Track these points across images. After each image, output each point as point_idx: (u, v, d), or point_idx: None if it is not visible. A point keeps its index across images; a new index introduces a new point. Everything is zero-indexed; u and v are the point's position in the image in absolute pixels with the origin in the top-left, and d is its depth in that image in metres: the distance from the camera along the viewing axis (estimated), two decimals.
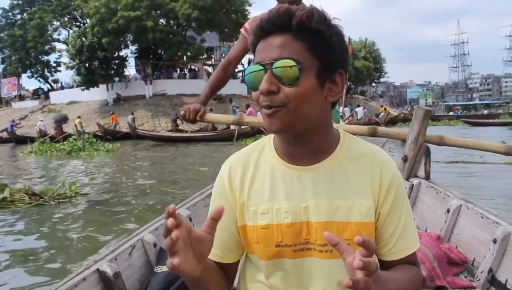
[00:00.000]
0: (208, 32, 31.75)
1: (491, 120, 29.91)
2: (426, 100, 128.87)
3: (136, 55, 34.19)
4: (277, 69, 0.87)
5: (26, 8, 40.98)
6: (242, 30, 2.36)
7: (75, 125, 23.29)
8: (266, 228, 0.96)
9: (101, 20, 28.46)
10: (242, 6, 33.33)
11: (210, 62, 37.13)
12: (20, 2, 40.84)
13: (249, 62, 42.68)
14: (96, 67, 29.03)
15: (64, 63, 34.90)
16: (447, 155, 8.88)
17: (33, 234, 4.60)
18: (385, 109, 33.79)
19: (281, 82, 0.88)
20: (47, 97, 38.80)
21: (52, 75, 44.65)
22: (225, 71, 2.44)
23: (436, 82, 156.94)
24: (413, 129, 2.45)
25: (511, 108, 52.44)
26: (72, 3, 37.48)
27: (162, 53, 32.97)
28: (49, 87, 42.56)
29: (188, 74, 35.13)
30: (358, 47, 49.71)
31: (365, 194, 0.96)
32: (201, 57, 34.77)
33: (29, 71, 42.24)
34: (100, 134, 20.03)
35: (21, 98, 41.98)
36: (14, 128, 24.29)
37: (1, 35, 41.24)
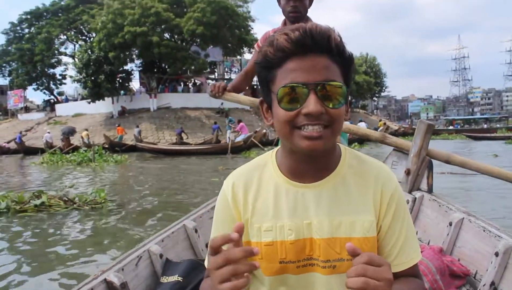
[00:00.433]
0: (212, 47, 32.46)
1: (492, 134, 30.28)
2: (427, 114, 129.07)
3: (141, 69, 34.95)
4: (325, 90, 0.87)
5: (34, 23, 42.01)
6: (255, 47, 2.56)
7: (82, 137, 23.92)
8: (270, 245, 0.97)
9: (108, 35, 29.25)
10: (246, 22, 34.11)
11: (213, 76, 37.87)
12: (28, 16, 41.89)
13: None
14: (102, 80, 29.77)
15: (71, 76, 35.63)
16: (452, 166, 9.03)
17: (78, 233, 5.12)
18: (384, 123, 34.27)
19: (324, 103, 0.88)
20: (52, 109, 39.57)
21: (57, 88, 45.61)
22: (243, 79, 2.75)
23: (438, 96, 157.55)
24: (415, 143, 2.46)
25: (510, 122, 52.97)
26: (80, 18, 38.44)
27: (166, 67, 33.70)
28: (55, 99, 43.27)
29: (192, 88, 35.79)
30: (359, 62, 50.48)
31: (367, 209, 0.97)
32: (204, 71, 35.47)
33: (34, 83, 43.07)
34: (106, 146, 20.55)
35: (27, 110, 42.71)
36: (22, 139, 24.85)
37: (10, 48, 42.20)
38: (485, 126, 47.09)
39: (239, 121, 21.07)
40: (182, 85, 35.68)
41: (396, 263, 0.99)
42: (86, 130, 25.83)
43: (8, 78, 45.19)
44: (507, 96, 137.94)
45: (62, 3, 41.21)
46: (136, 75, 35.57)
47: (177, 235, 2.06)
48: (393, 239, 0.99)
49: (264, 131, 22.41)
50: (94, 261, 4.03)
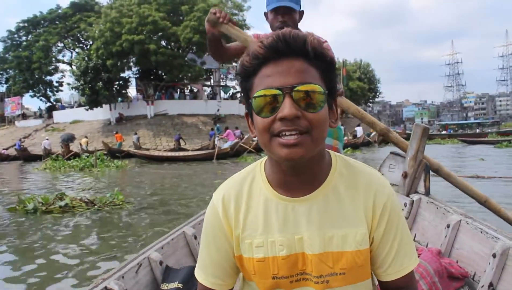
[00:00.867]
0: (208, 54, 32.85)
1: (484, 139, 30.84)
2: (422, 119, 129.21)
3: (137, 76, 35.36)
4: (299, 93, 0.84)
5: (32, 30, 42.34)
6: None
7: (80, 144, 24.32)
8: (262, 261, 0.95)
9: (106, 43, 29.65)
10: (241, 29, 34.58)
11: (209, 83, 38.35)
12: (26, 24, 42.24)
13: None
14: (100, 88, 30.12)
15: (69, 84, 35.95)
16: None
17: (105, 231, 5.54)
18: None
19: (301, 107, 0.85)
20: (50, 116, 39.84)
21: (54, 95, 45.90)
22: (217, 46, 2.37)
23: (432, 101, 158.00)
24: (412, 146, 2.48)
25: (502, 127, 53.80)
26: (77, 26, 38.85)
27: (163, 74, 34.13)
28: (51, 106, 43.57)
29: (188, 95, 36.22)
30: (353, 68, 51.03)
31: (358, 221, 0.94)
32: (201, 78, 35.92)
33: (31, 90, 43.38)
34: (105, 152, 20.95)
35: (24, 117, 42.97)
36: (22, 146, 25.21)
37: (7, 56, 42.55)
38: (477, 130, 47.80)
39: (226, 128, 21.70)
40: (179, 92, 36.08)
41: (390, 271, 0.98)
42: (86, 137, 26.25)
43: (5, 85, 45.56)
44: (500, 101, 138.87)
45: (59, 11, 41.64)
46: (133, 82, 36.02)
47: (176, 242, 2.08)
48: (386, 249, 0.97)
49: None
50: (123, 255, 4.45)
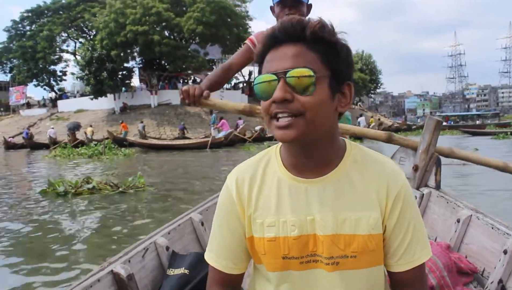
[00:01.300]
0: (211, 45, 33.26)
1: (483, 130, 31.15)
2: (423, 110, 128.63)
3: (141, 66, 35.78)
4: (291, 78, 0.86)
5: (36, 20, 42.66)
6: (247, 41, 2.26)
7: (85, 133, 24.86)
8: (273, 240, 0.96)
9: (110, 34, 30.13)
10: (243, 20, 35.04)
11: None
12: (30, 14, 42.56)
13: (250, 74, 43.23)
14: (104, 78, 30.63)
15: (73, 73, 36.36)
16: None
17: (134, 211, 6.00)
18: (379, 119, 35.13)
19: (295, 91, 0.86)
20: (54, 105, 40.24)
21: (57, 84, 46.40)
22: (225, 74, 2.30)
23: (434, 93, 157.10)
24: (424, 139, 2.45)
25: (502, 119, 54.15)
26: (81, 16, 39.15)
27: (166, 64, 34.55)
28: (56, 96, 44.03)
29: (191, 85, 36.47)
30: (355, 59, 50.41)
31: (372, 206, 0.94)
32: (203, 69, 36.29)
33: (35, 80, 43.93)
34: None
35: (28, 106, 43.41)
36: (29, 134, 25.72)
37: (11, 45, 42.88)
38: (478, 122, 48.13)
39: (220, 118, 22.17)
40: (182, 82, 36.43)
41: (402, 262, 0.97)
42: (91, 126, 26.76)
43: (10, 75, 45.95)
44: (502, 92, 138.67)
45: (63, 1, 41.90)
46: (136, 72, 36.39)
47: (183, 228, 2.07)
48: (398, 240, 0.96)
49: (260, 126, 23.46)
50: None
